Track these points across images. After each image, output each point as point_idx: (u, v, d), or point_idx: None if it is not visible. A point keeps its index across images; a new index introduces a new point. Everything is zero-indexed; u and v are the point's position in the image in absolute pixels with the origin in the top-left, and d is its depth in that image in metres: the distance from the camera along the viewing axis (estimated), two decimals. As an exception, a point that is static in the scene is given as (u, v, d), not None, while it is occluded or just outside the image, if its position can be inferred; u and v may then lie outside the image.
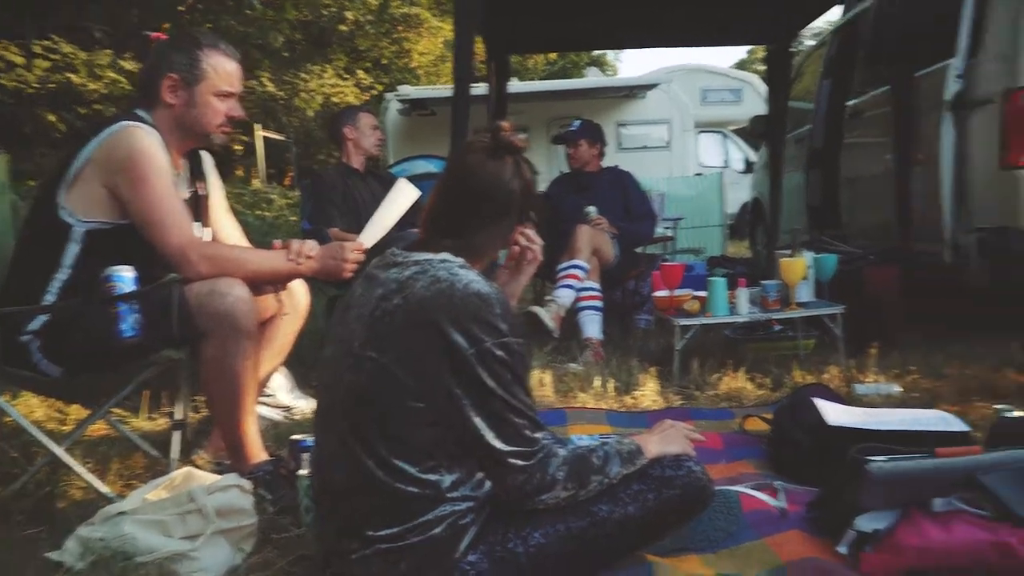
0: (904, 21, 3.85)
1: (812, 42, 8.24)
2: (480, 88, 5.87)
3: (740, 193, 9.80)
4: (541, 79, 18.31)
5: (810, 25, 5.55)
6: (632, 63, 73.21)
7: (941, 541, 1.53)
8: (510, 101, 6.37)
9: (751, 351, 3.46)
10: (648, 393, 2.97)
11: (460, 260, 1.44)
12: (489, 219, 1.52)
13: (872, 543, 1.59)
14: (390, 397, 1.36)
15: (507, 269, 1.72)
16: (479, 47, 5.25)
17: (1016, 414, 2.29)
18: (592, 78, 14.52)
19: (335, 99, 13.99)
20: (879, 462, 1.62)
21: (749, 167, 10.72)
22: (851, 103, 4.78)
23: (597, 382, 3.05)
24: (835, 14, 5.69)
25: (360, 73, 15.49)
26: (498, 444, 1.36)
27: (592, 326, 3.63)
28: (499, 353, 1.36)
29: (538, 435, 1.39)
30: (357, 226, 2.47)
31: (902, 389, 2.88)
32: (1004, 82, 3.25)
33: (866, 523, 1.62)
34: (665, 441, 1.58)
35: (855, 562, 1.59)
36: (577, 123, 4.27)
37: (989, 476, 1.60)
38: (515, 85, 11.70)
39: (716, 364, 3.23)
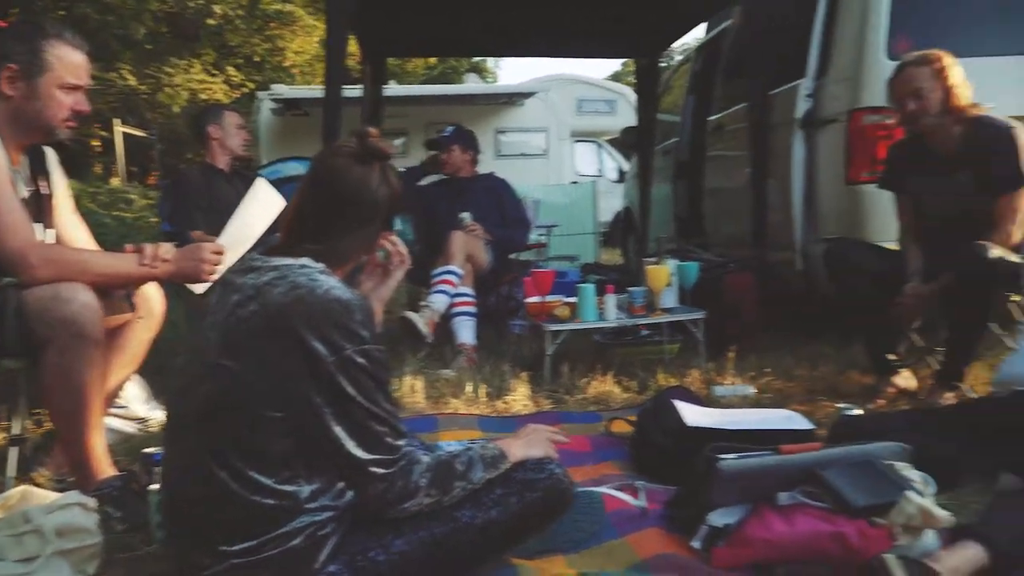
0: (760, 42, 4.08)
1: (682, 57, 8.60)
2: (356, 90, 5.79)
3: (614, 202, 10.09)
4: (421, 83, 18.24)
5: (682, 41, 5.81)
6: (511, 71, 74.28)
7: (785, 533, 1.63)
8: (388, 105, 6.33)
9: (619, 355, 3.55)
10: (519, 398, 3.01)
11: (320, 266, 1.42)
12: (353, 225, 1.50)
13: (723, 537, 1.67)
14: (245, 407, 1.32)
15: (375, 273, 1.70)
16: (356, 48, 5.17)
17: (856, 412, 2.47)
18: (471, 84, 14.60)
19: (203, 96, 13.43)
20: (729, 460, 1.71)
21: (622, 176, 11.07)
22: (713, 118, 5.02)
23: (469, 388, 3.06)
24: (701, 32, 6.00)
25: (230, 70, 14.94)
26: (359, 453, 1.35)
27: (466, 332, 3.65)
28: (360, 360, 1.34)
29: (400, 442, 1.39)
30: (221, 229, 2.38)
31: (757, 390, 3.04)
32: (848, 103, 3.48)
33: (718, 518, 1.71)
34: (529, 445, 1.60)
35: (708, 556, 1.67)
36: (450, 129, 4.28)
37: (828, 471, 1.72)
38: (393, 89, 11.61)
39: (585, 368, 3.30)
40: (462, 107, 11.11)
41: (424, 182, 4.41)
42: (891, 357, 2.97)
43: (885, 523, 1.57)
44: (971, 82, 2.80)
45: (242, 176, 3.73)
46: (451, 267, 3.66)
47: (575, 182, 10.71)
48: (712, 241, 4.97)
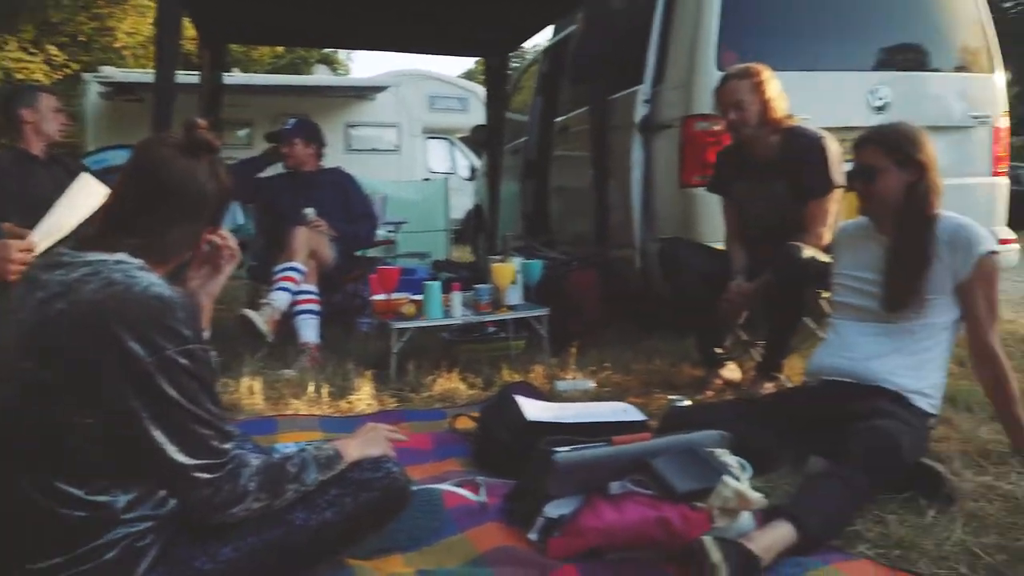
0: (601, 48, 4.23)
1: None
2: (195, 77, 5.51)
3: (466, 199, 10.17)
4: (267, 73, 17.60)
5: (535, 41, 5.95)
6: (365, 64, 72.92)
7: (615, 521, 1.70)
8: (231, 94, 6.06)
9: (466, 352, 3.59)
10: (363, 397, 2.97)
11: (139, 262, 1.34)
12: (178, 220, 1.43)
13: (558, 528, 1.73)
14: (52, 413, 1.23)
15: (203, 269, 1.63)
16: (194, 32, 4.93)
17: (685, 403, 2.62)
18: (321, 76, 14.25)
19: (19, 76, 12.33)
20: (564, 453, 1.77)
21: (475, 174, 11.18)
22: (559, 119, 5.16)
23: (311, 388, 2.99)
24: (549, 34, 6.14)
25: (52, 49, 13.79)
26: (181, 458, 1.28)
27: (309, 330, 3.56)
28: (183, 361, 1.28)
29: (227, 446, 1.34)
30: (36, 221, 2.20)
31: (596, 384, 3.15)
32: (682, 110, 3.69)
33: (553, 509, 1.76)
34: (366, 444, 1.59)
35: (544, 547, 1.72)
36: (292, 121, 4.16)
37: (656, 459, 1.82)
38: (237, 77, 11.15)
39: (432, 366, 3.31)
40: (311, 99, 10.84)
41: (266, 175, 4.26)
42: (718, 351, 3.17)
43: (705, 507, 1.68)
44: (789, 94, 3.04)
45: (62, 164, 3.46)
46: (293, 264, 3.56)
47: (427, 179, 10.70)
48: (558, 239, 5.11)
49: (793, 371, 3.10)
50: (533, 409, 2.33)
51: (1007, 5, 24.47)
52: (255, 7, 4.79)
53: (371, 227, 4.26)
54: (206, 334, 1.41)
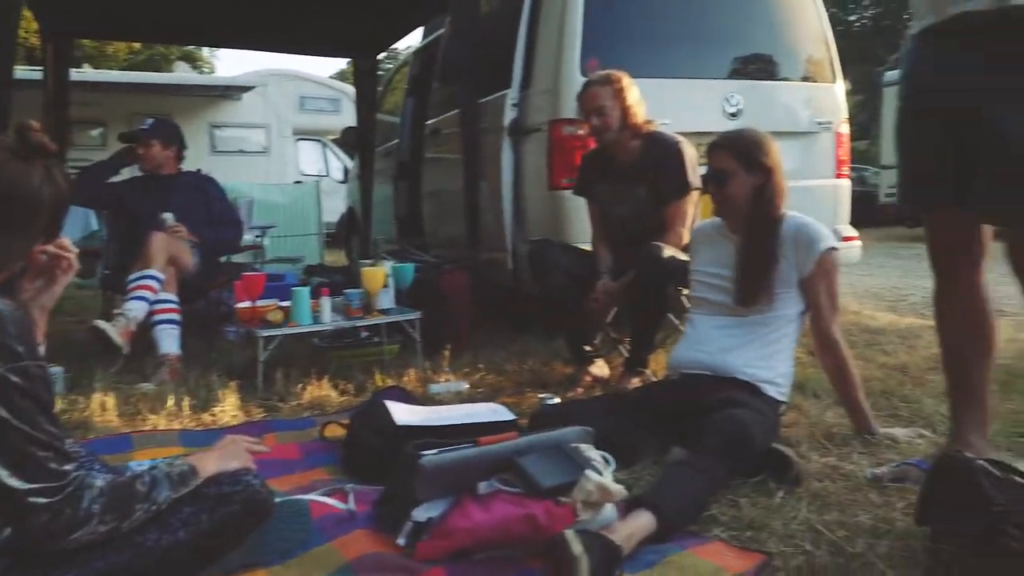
0: (469, 52, 4.27)
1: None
2: (39, 72, 5.17)
3: (340, 202, 10.00)
4: (122, 69, 16.69)
5: (407, 42, 5.93)
6: (232, 63, 70.23)
7: (483, 520, 1.72)
8: (83, 91, 5.74)
9: (338, 359, 3.53)
10: (229, 408, 2.87)
11: (-37, 273, 1.25)
12: (9, 228, 1.34)
13: (427, 531, 1.73)
14: None
15: (37, 280, 1.53)
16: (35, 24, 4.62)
17: (555, 401, 2.69)
18: (182, 74, 13.67)
19: None
20: (430, 455, 1.78)
21: (348, 176, 11.01)
22: (430, 122, 5.16)
23: (171, 401, 2.87)
24: (420, 36, 6.13)
25: None
26: (15, 483, 1.21)
27: (168, 341, 3.41)
28: (15, 379, 1.20)
29: (67, 467, 1.27)
30: None
31: (470, 386, 3.17)
32: (549, 114, 3.77)
33: (421, 513, 1.76)
34: (224, 458, 1.54)
35: (412, 551, 1.72)
36: (149, 121, 3.96)
37: (523, 457, 1.85)
38: (88, 74, 10.55)
39: (301, 374, 3.24)
40: (171, 98, 10.39)
41: (121, 178, 4.04)
42: (587, 349, 3.27)
43: (569, 501, 1.73)
44: (648, 100, 3.17)
45: None
46: (150, 271, 3.39)
47: (298, 181, 10.45)
48: (432, 242, 5.11)
49: (659, 366, 3.22)
50: (403, 413, 2.32)
51: (852, 19, 26.41)
52: (103, 1, 4.54)
53: (236, 232, 4.11)
54: (41, 349, 1.33)
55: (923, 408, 2.65)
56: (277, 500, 1.71)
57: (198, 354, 3.58)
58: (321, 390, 3.11)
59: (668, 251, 2.88)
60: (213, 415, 2.82)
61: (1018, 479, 1.50)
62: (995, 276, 2.03)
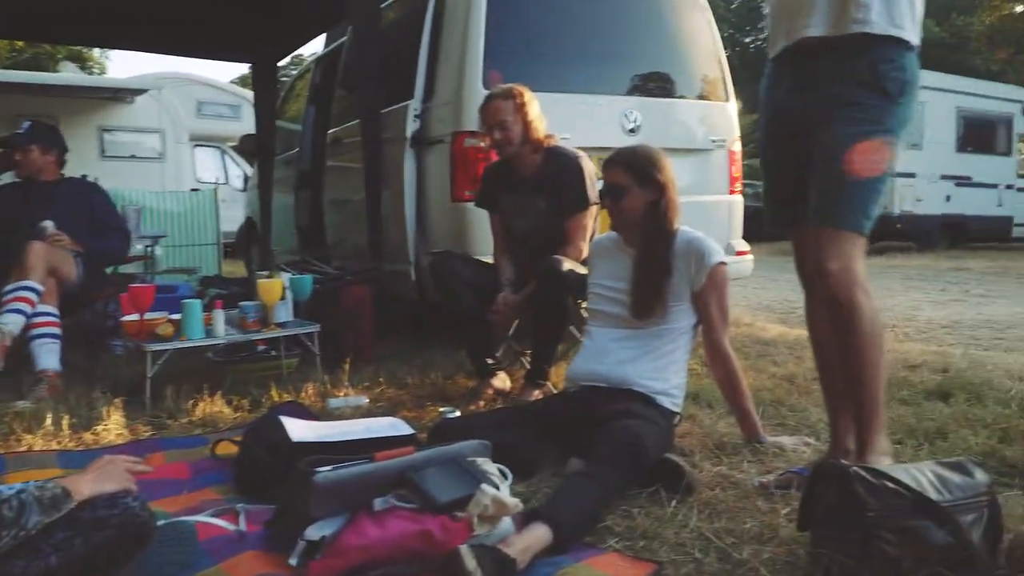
0: (371, 61, 4.24)
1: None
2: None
3: (239, 211, 9.74)
4: (4, 68, 15.80)
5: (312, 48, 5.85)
6: (125, 65, 67.12)
7: (377, 537, 1.69)
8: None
9: (233, 373, 3.43)
10: (113, 427, 2.74)
11: None
12: None
13: (320, 550, 1.69)
14: None
15: None
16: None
17: (455, 415, 2.68)
18: (69, 74, 13.05)
19: None
20: (325, 472, 1.75)
21: (248, 184, 10.74)
22: (332, 131, 5.09)
23: (49, 420, 2.71)
24: (322, 43, 6.05)
25: None
26: None
27: (47, 356, 3.23)
28: None
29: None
30: None
31: (370, 400, 3.13)
32: (451, 125, 3.77)
33: (315, 531, 1.72)
34: (100, 479, 1.47)
35: (304, 571, 1.67)
36: (26, 125, 3.76)
37: (419, 472, 1.84)
38: (-36, 72, 9.90)
39: (193, 390, 3.13)
40: (56, 99, 9.88)
41: (-4, 185, 3.82)
42: (489, 361, 3.28)
43: (465, 515, 1.72)
44: (549, 115, 3.21)
45: None
46: (28, 282, 3.21)
47: (195, 189, 10.12)
48: (334, 253, 5.03)
49: (560, 378, 3.26)
50: (299, 429, 2.27)
51: (747, 40, 27.54)
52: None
53: (122, 241, 3.93)
54: None
55: (809, 416, 2.76)
56: (161, 522, 1.65)
57: (81, 370, 3.41)
58: (214, 406, 3.01)
59: (567, 264, 2.93)
60: (95, 434, 2.69)
61: (890, 484, 1.58)
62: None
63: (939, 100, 12.27)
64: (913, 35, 1.96)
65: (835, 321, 1.97)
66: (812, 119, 1.97)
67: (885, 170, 1.94)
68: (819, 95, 1.97)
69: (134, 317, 3.14)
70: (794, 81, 2.05)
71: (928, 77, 12.21)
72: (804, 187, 2.01)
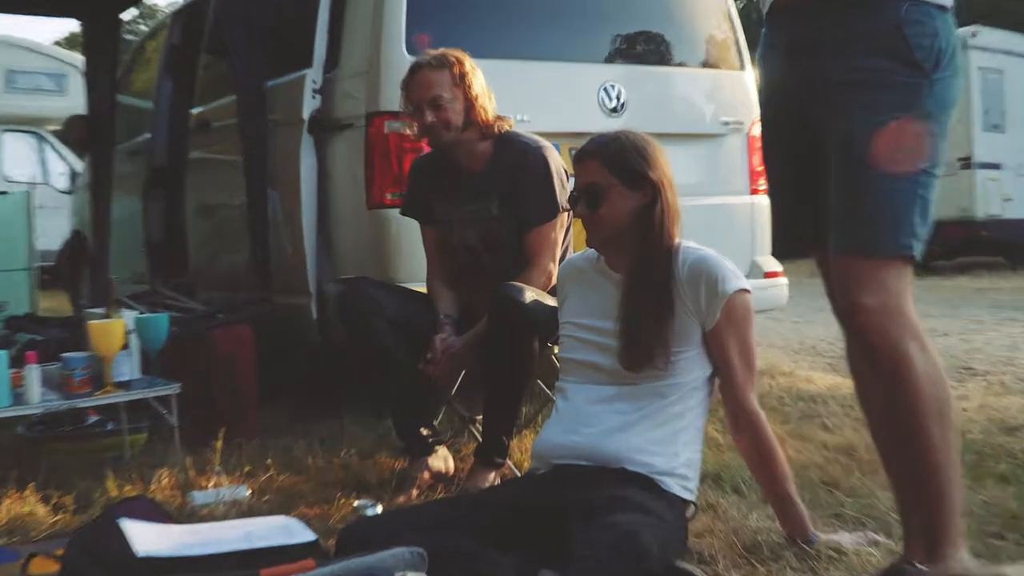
0: (250, 16, 4.21)
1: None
2: None
3: (64, 221, 9.62)
4: None
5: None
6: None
7: None
8: None
9: (54, 456, 3.38)
10: None
11: None
12: None
13: None
14: None
15: None
16: None
17: (377, 511, 2.62)
18: None
19: None
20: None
21: (75, 185, 10.64)
22: (196, 111, 5.06)
23: None
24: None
25: None
26: None
27: None
28: None
29: None
30: None
31: (252, 491, 3.07)
32: (365, 104, 3.76)
33: None
34: None
35: None
36: None
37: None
38: None
39: (-4, 481, 3.06)
40: None
41: None
42: (424, 432, 3.23)
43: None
44: (499, 89, 3.20)
45: None
46: None
47: (3, 191, 9.98)
48: (200, 282, 4.99)
49: (524, 454, 3.23)
50: (148, 538, 2.20)
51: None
52: None
53: None
54: None
55: (877, 504, 2.74)
56: None
57: None
58: (24, 505, 2.94)
59: (531, 293, 2.90)
60: None
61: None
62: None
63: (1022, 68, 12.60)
64: None
65: (878, 377, 1.97)
66: (820, 100, 1.97)
67: (926, 167, 1.95)
68: (827, 66, 1.97)
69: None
70: (791, 42, 2.05)
71: (1008, 39, 12.58)
72: (818, 189, 2.01)
